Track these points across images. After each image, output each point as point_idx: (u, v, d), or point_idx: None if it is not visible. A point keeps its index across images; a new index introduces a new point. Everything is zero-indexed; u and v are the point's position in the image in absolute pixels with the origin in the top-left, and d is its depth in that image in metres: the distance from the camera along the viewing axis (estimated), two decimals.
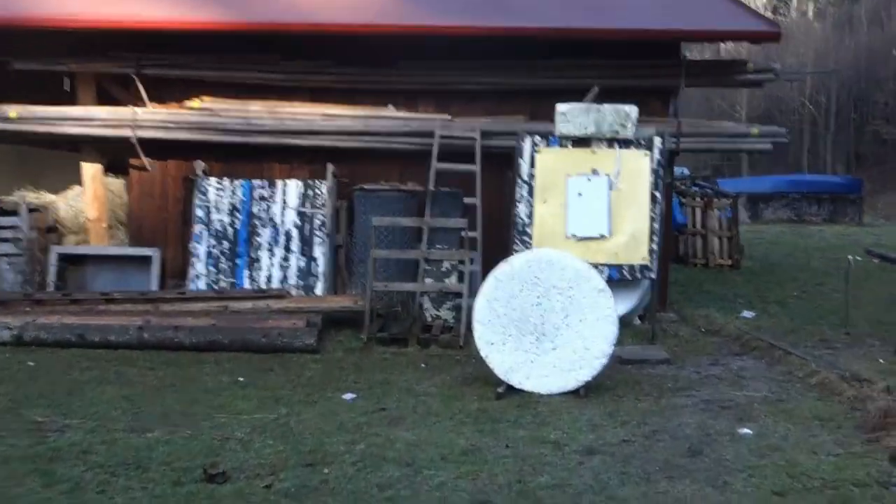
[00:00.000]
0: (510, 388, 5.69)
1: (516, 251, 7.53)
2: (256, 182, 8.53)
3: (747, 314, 9.28)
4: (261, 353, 6.78)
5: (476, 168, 8.29)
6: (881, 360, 6.91)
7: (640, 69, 8.49)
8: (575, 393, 5.63)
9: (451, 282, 7.59)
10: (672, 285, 9.75)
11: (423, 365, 6.57)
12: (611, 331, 5.68)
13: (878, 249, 17.38)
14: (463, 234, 7.56)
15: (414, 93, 8.80)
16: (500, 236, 8.27)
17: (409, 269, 8.07)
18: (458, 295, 7.54)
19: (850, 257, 8.68)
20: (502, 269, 5.79)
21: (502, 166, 8.55)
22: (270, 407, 5.29)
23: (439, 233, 7.56)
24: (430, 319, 7.68)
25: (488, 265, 8.41)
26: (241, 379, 6.05)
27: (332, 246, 8.50)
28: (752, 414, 5.15)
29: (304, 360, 6.63)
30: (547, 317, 5.71)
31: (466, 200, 8.14)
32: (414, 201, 8.29)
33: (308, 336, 6.82)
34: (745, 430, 4.75)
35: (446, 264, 7.56)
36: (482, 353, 5.77)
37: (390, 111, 8.70)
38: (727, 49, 36.52)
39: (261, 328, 6.94)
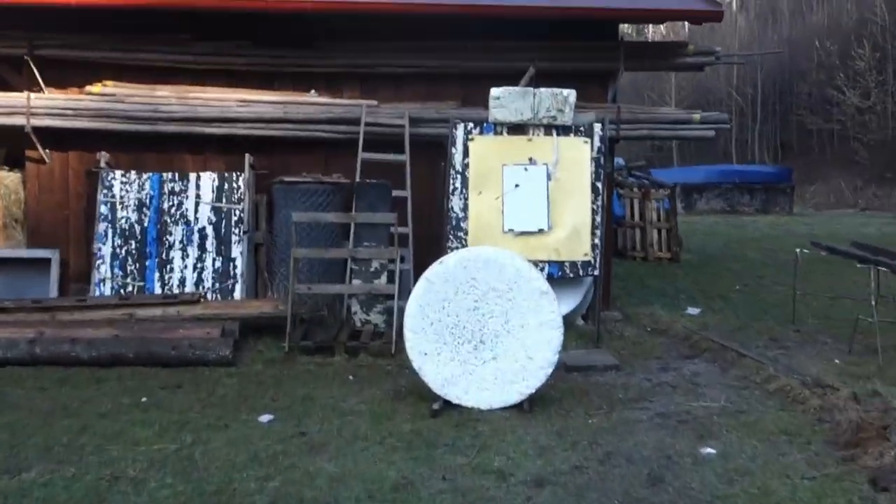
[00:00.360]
0: (447, 404, 5.13)
1: (450, 248, 6.98)
2: (166, 175, 7.74)
3: (692, 311, 8.94)
4: (169, 367, 6.06)
5: (405, 158, 7.69)
6: (837, 361, 6.59)
7: (577, 51, 8.01)
8: (518, 407, 5.11)
9: (381, 283, 6.98)
10: (613, 280, 9.34)
11: (350, 377, 5.95)
12: (555, 337, 5.17)
13: (815, 239, 17.46)
14: (392, 229, 6.95)
15: (338, 76, 8.14)
16: (434, 231, 7.70)
17: (335, 269, 7.43)
18: (389, 297, 6.93)
19: (798, 250, 8.37)
20: (435, 270, 5.22)
21: (434, 156, 7.97)
22: (174, 434, 4.61)
23: (366, 229, 6.93)
24: (359, 324, 7.07)
25: (421, 264, 7.84)
26: (144, 399, 5.33)
27: (252, 244, 7.78)
28: (713, 429, 4.70)
29: (218, 375, 5.93)
30: (485, 322, 5.16)
31: (396, 193, 7.53)
32: (340, 195, 7.64)
33: (223, 347, 6.13)
34: (709, 450, 4.29)
35: (375, 263, 6.94)
36: (415, 365, 5.19)
37: (312, 96, 8.02)
38: (656, 36, 36.65)
39: (170, 339, 6.21)
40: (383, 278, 6.98)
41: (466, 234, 7.05)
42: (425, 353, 5.16)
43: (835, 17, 48.38)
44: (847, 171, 39.85)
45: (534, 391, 5.15)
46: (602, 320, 7.29)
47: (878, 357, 6.51)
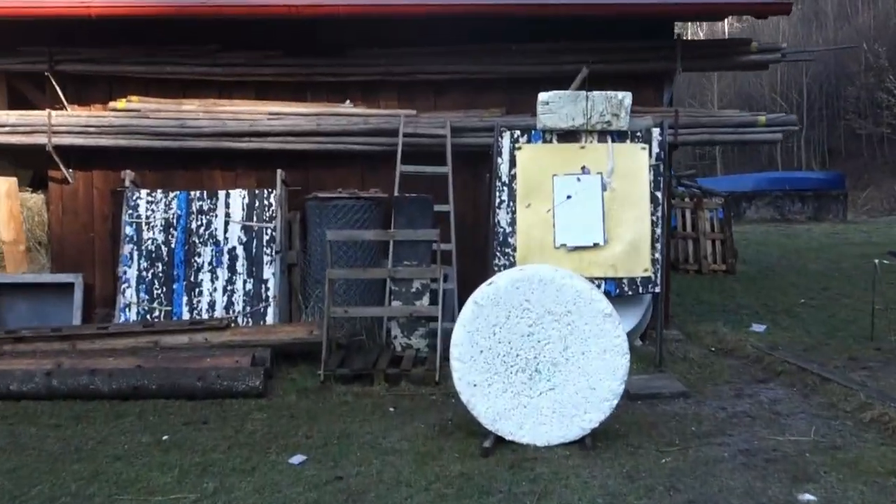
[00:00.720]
0: (499, 440, 4.58)
1: (497, 265, 6.44)
2: (194, 193, 7.34)
3: (757, 327, 8.27)
4: (195, 399, 5.61)
5: (447, 170, 7.18)
6: None
7: (630, 52, 7.43)
8: (580, 444, 4.54)
9: (423, 304, 6.46)
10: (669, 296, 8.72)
11: (391, 409, 5.43)
12: (621, 365, 4.59)
13: (875, 248, 16.56)
14: (435, 246, 6.43)
15: (374, 85, 7.67)
16: (479, 248, 7.17)
17: (374, 290, 6.94)
18: (432, 319, 6.41)
19: (876, 261, 7.66)
20: (484, 292, 4.67)
21: (478, 167, 7.47)
22: (194, 480, 4.13)
23: (406, 247, 6.42)
24: (399, 349, 6.55)
25: (466, 283, 7.31)
26: (166, 438, 4.86)
27: (285, 265, 7.33)
28: (808, 470, 4.08)
29: (248, 408, 5.45)
30: (541, 350, 4.60)
31: (437, 208, 7.02)
32: (377, 211, 7.16)
33: (253, 377, 5.65)
34: (808, 497, 3.68)
35: (416, 283, 6.42)
36: (463, 398, 4.65)
37: (347, 107, 7.56)
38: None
39: (196, 369, 5.75)
40: (425, 299, 6.45)
41: (514, 250, 6.50)
42: (474, 385, 4.61)
43: (881, 19, 46.99)
44: None
45: (597, 425, 4.58)
46: (663, 341, 6.66)
47: None
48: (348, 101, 7.60)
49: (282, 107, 7.46)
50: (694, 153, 43.97)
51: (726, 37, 28.68)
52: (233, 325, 6.59)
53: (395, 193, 7.04)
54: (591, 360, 4.58)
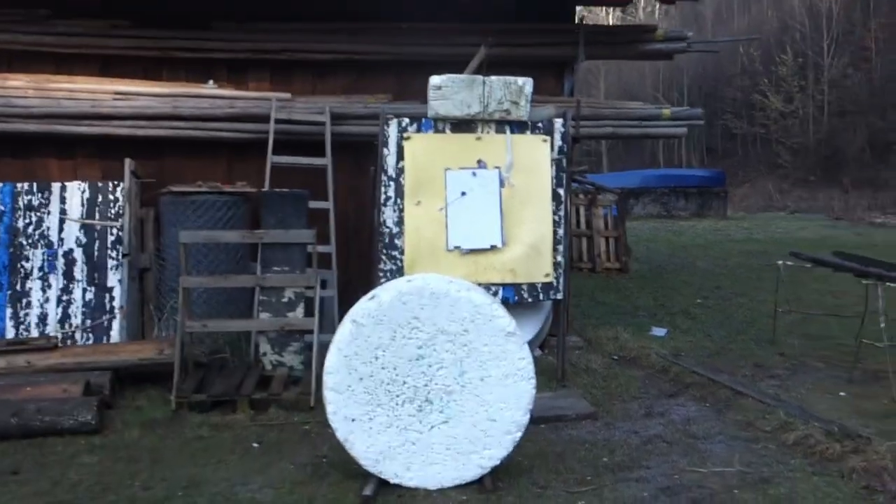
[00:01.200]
0: (383, 484, 3.82)
1: (382, 270, 5.66)
2: (22, 186, 6.19)
3: (658, 331, 7.85)
4: (10, 439, 4.56)
5: (327, 161, 6.35)
6: (843, 394, 5.56)
7: (530, 35, 6.81)
8: (478, 484, 3.85)
9: (297, 315, 5.60)
10: None
11: (255, 444, 4.56)
12: (526, 391, 3.91)
13: (754, 244, 16.81)
14: (311, 249, 5.57)
15: (243, 64, 6.74)
16: (364, 250, 6.41)
17: (241, 300, 6.02)
18: (308, 332, 5.57)
19: (780, 262, 7.34)
20: (364, 309, 3.88)
21: (363, 160, 6.68)
22: None
23: (277, 250, 5.53)
24: (270, 368, 5.67)
25: (349, 289, 6.51)
26: None
27: (135, 270, 6.29)
28: None
29: (76, 449, 4.45)
30: (433, 376, 3.86)
31: (314, 205, 6.18)
32: (244, 208, 6.24)
33: (84, 410, 4.64)
34: None
35: (289, 292, 5.56)
36: (339, 435, 3.85)
37: (210, 88, 6.58)
38: None
39: (11, 401, 4.70)
40: (299, 310, 5.60)
41: (402, 252, 5.73)
42: (352, 420, 3.82)
43: (756, 24, 49.04)
44: (772, 175, 40.18)
45: (498, 462, 3.89)
46: (565, 351, 6.06)
47: (892, 388, 5.50)
48: (211, 82, 6.63)
49: (131, 85, 6.42)
50: (581, 149, 44.57)
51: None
52: (63, 344, 5.54)
53: (266, 188, 6.14)
54: (492, 387, 3.87)
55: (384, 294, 3.89)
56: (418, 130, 5.87)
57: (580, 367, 6.27)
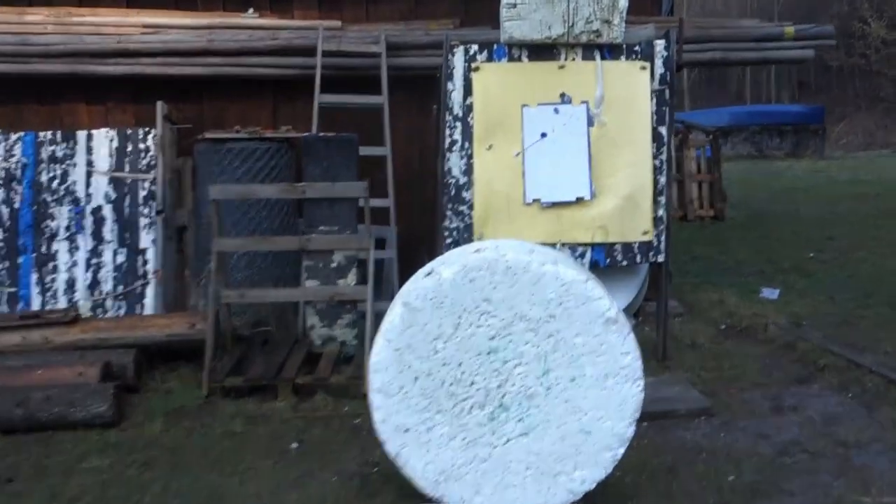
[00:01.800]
0: None
1: (448, 229, 4.78)
2: (45, 135, 5.51)
3: (769, 293, 6.76)
4: (16, 433, 3.92)
5: (383, 100, 5.44)
6: None
7: None
8: None
9: (348, 283, 4.78)
10: None
11: (294, 445, 3.79)
12: (631, 395, 2.98)
13: (863, 186, 15.22)
14: (363, 203, 4.70)
15: None
16: (428, 204, 5.53)
17: (288, 263, 5.24)
18: (360, 303, 4.76)
19: None
20: (419, 288, 3.00)
21: (426, 97, 5.74)
22: None
23: (323, 206, 4.68)
24: (319, 343, 4.89)
25: (412, 248, 5.69)
26: None
27: (172, 230, 5.57)
28: None
29: (86, 447, 3.76)
30: (510, 375, 2.97)
31: (367, 151, 5.31)
32: (290, 156, 5.41)
33: (98, 399, 3.95)
34: None
35: (338, 256, 4.73)
36: (390, 450, 3.02)
37: (250, 17, 5.72)
38: None
39: (21, 387, 4.05)
40: (351, 276, 4.78)
41: (472, 207, 4.83)
42: (406, 430, 2.99)
43: None
44: (873, 110, 37.28)
45: (593, 486, 3.00)
46: (667, 324, 5.09)
47: None
48: (251, 10, 5.77)
49: (160, 17, 5.60)
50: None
51: None
52: (98, 312, 4.87)
53: (314, 132, 5.29)
54: (586, 390, 2.97)
55: (445, 269, 2.99)
56: (489, 59, 4.88)
57: (683, 340, 5.30)
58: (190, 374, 4.64)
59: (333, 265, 4.73)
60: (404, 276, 5.61)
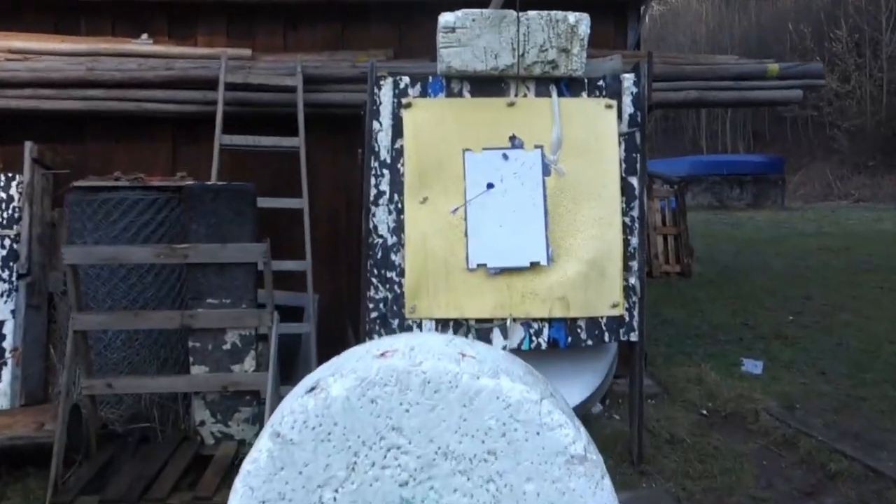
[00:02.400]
0: None
1: (374, 301, 3.86)
2: None
3: (751, 366, 5.94)
4: None
5: (299, 142, 4.53)
6: None
7: None
8: None
9: (245, 369, 3.80)
10: None
11: None
12: None
13: (828, 240, 14.69)
14: (263, 265, 3.74)
15: (190, 9, 4.93)
16: (352, 267, 4.61)
17: (175, 341, 4.23)
18: (257, 394, 3.77)
19: None
20: (299, 411, 2.04)
21: (353, 140, 4.87)
22: None
23: (211, 273, 3.72)
24: (211, 441, 3.89)
25: (333, 321, 4.77)
26: None
27: (41, 297, 4.54)
28: None
29: None
30: None
31: (278, 203, 4.38)
32: (181, 209, 4.44)
33: None
34: None
35: (232, 335, 3.75)
36: None
37: (142, 43, 4.80)
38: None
39: None
40: (249, 361, 3.80)
41: (402, 274, 3.91)
42: None
43: (803, 1, 46.17)
44: (828, 160, 37.50)
45: None
46: (642, 418, 4.18)
47: None
48: (145, 35, 4.85)
49: (31, 41, 4.65)
50: None
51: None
52: None
53: (213, 179, 4.35)
54: None
55: (336, 384, 2.04)
56: (423, 94, 4.02)
57: (660, 434, 4.39)
58: (38, 486, 3.59)
59: (226, 347, 3.75)
60: (326, 354, 4.66)
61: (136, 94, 4.61)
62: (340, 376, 2.05)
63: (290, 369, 4.64)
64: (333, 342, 4.74)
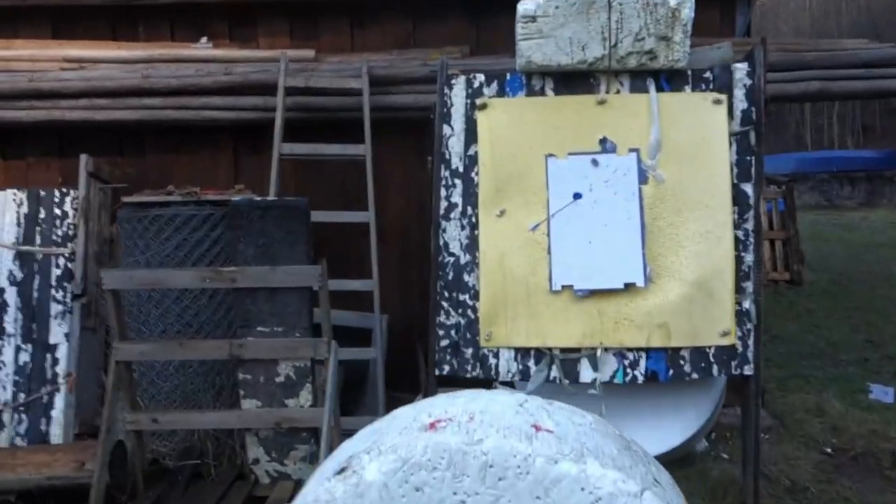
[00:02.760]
0: None
1: (444, 327, 3.42)
2: None
3: (881, 393, 5.20)
4: None
5: (365, 150, 4.13)
6: None
7: None
8: None
9: (300, 403, 3.41)
10: None
11: None
12: None
13: None
14: (319, 289, 3.33)
15: (249, 11, 4.61)
16: (425, 286, 4.18)
17: (233, 367, 3.90)
18: (315, 431, 3.38)
19: None
20: (323, 496, 1.60)
21: (425, 146, 4.43)
22: None
23: (260, 299, 3.34)
24: (267, 480, 3.52)
25: (405, 346, 4.37)
26: None
27: (96, 319, 4.30)
28: None
29: None
30: None
31: (343, 217, 4.00)
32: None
33: None
34: None
35: (286, 367, 3.37)
36: None
37: (202, 47, 4.51)
38: None
39: None
40: (304, 394, 3.40)
41: (476, 297, 3.45)
42: None
43: None
44: None
45: None
46: (758, 465, 3.58)
47: None
48: (204, 39, 4.56)
49: (86, 49, 4.42)
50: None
51: None
52: None
53: (271, 193, 3.99)
54: None
55: (371, 465, 1.59)
56: (501, 94, 3.54)
57: (778, 480, 3.79)
58: None
59: (279, 379, 3.37)
60: (397, 381, 4.25)
61: (193, 102, 4.31)
62: (378, 454, 1.61)
63: (359, 396, 4.25)
64: (405, 368, 4.33)
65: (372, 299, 4.16)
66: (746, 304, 3.38)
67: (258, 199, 3.29)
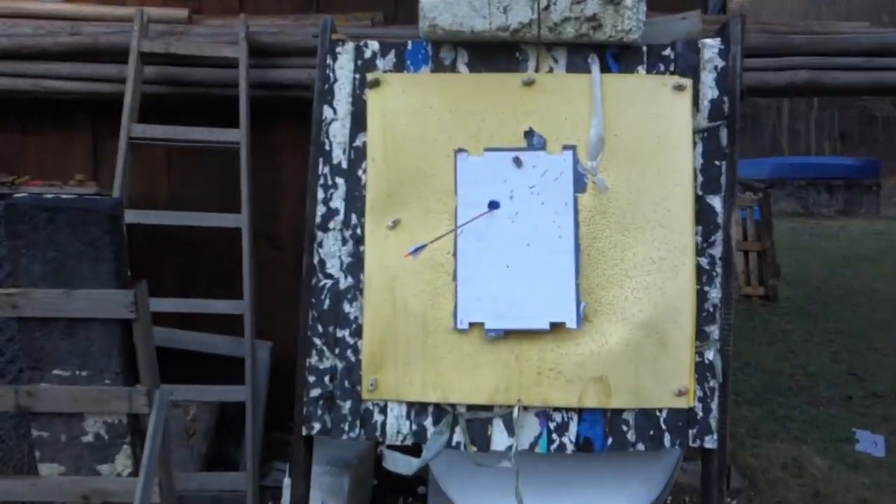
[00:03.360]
0: None
1: (317, 372, 2.59)
2: None
3: (868, 444, 4.46)
4: None
5: (240, 137, 3.27)
6: None
7: None
8: None
9: (119, 469, 2.54)
10: None
11: None
12: None
13: None
14: (132, 315, 2.46)
15: None
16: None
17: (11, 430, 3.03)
18: None
19: None
20: None
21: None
22: None
23: (55, 332, 2.47)
24: None
25: (286, 383, 3.52)
26: None
27: None
28: None
29: None
30: None
31: (211, 221, 3.15)
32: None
33: None
34: None
35: (94, 423, 2.50)
36: None
37: (48, 1, 3.62)
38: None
39: None
40: (121, 458, 2.54)
41: (357, 333, 2.62)
42: None
43: None
44: None
45: None
46: None
47: None
48: None
49: None
50: None
51: None
52: None
53: (116, 188, 3.12)
54: None
55: None
56: (399, 67, 2.71)
57: None
58: None
59: (87, 438, 2.50)
60: (284, 419, 3.42)
61: (32, 69, 3.42)
62: None
63: (241, 439, 3.40)
64: (284, 407, 3.48)
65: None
66: (710, 356, 2.58)
67: (49, 196, 2.43)
